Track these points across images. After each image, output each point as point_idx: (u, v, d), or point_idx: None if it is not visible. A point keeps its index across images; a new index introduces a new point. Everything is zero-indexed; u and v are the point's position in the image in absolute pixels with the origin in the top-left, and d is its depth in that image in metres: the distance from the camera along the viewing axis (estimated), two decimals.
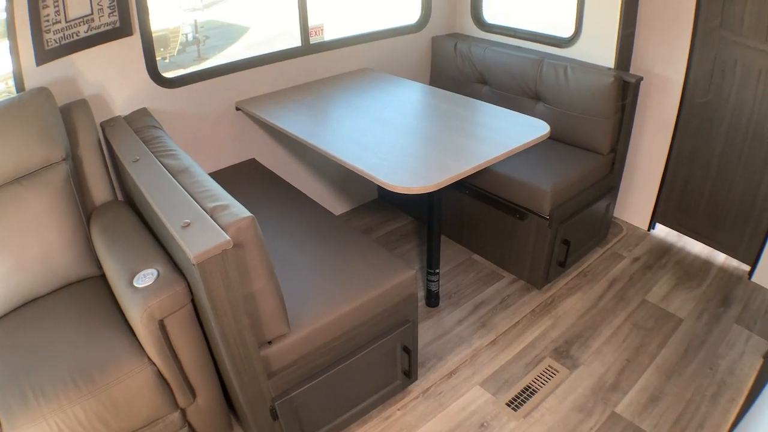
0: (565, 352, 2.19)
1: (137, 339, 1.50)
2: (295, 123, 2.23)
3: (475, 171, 1.83)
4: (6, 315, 1.74)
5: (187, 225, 1.30)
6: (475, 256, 2.79)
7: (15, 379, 1.49)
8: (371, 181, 1.79)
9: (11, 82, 1.99)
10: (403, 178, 1.76)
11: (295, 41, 2.63)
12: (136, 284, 1.42)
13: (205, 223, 1.31)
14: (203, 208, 1.38)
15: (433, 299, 2.44)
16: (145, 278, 1.42)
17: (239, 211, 1.34)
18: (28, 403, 1.42)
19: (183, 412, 1.62)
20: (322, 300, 1.65)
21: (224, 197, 1.42)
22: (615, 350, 2.19)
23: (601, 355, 2.17)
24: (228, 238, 1.25)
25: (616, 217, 3.07)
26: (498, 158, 1.89)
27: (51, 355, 1.54)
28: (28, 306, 1.76)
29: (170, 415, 1.59)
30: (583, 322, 2.35)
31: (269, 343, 1.54)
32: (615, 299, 2.48)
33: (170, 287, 1.41)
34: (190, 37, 5.56)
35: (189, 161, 1.65)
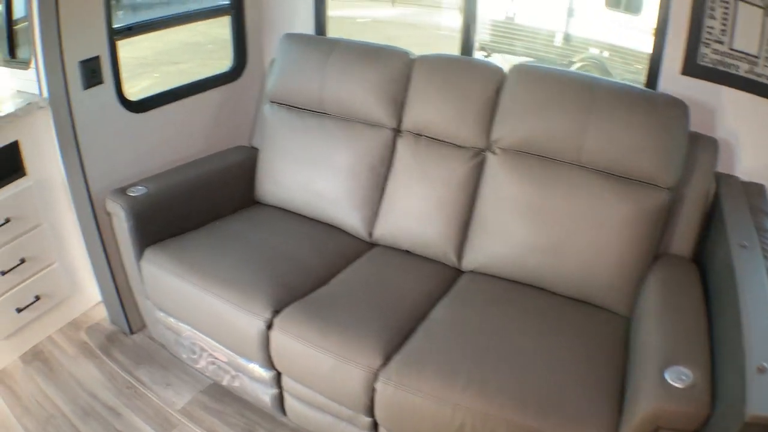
0: None
1: (620, 411, 1.37)
2: None
3: None
4: (517, 283, 1.82)
5: (763, 370, 1.10)
6: None
7: (468, 351, 1.50)
8: None
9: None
10: None
11: None
12: (665, 375, 1.25)
13: None
14: None
15: None
16: (679, 376, 1.24)
17: None
18: (449, 380, 1.40)
19: None
20: None
21: None
22: None
23: None
24: None
25: None
26: None
27: (530, 353, 1.51)
28: (541, 292, 1.80)
29: None
30: None
31: None
32: None
33: (695, 406, 1.18)
34: None
35: None
